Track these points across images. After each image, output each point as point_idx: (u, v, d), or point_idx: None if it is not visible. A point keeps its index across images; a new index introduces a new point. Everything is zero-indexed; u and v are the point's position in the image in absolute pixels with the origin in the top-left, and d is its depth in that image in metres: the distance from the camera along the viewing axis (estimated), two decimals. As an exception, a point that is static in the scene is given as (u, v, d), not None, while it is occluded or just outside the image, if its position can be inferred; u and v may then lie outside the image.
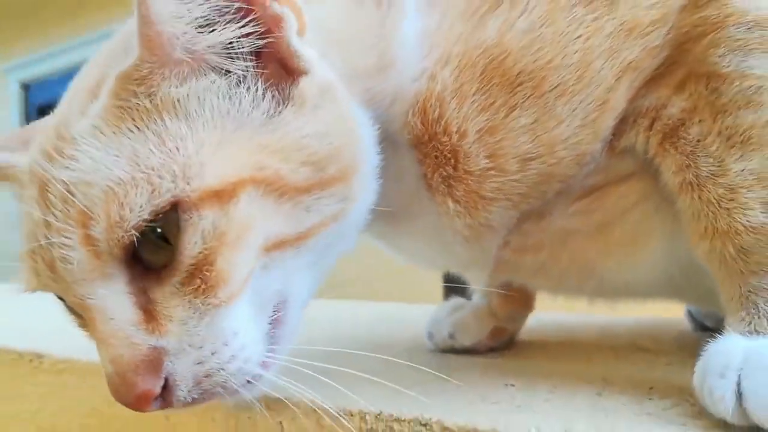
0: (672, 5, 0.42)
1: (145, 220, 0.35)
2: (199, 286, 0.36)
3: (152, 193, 0.35)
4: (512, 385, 0.46)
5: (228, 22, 0.38)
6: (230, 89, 0.39)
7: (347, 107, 0.43)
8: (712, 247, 0.42)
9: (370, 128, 0.44)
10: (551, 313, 0.76)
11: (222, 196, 0.36)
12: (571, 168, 0.45)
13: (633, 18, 0.42)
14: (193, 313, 0.37)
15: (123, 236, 0.35)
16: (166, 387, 0.37)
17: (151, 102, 0.37)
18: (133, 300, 0.37)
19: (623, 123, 0.44)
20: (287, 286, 0.41)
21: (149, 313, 0.37)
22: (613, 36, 0.42)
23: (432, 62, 0.45)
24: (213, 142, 0.37)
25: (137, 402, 0.36)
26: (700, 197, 0.41)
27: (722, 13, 0.41)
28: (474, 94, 0.43)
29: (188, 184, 0.35)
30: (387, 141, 0.46)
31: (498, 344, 0.60)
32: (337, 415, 0.41)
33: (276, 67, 0.40)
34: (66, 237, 0.36)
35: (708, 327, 0.64)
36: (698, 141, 0.41)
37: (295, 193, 0.39)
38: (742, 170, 0.40)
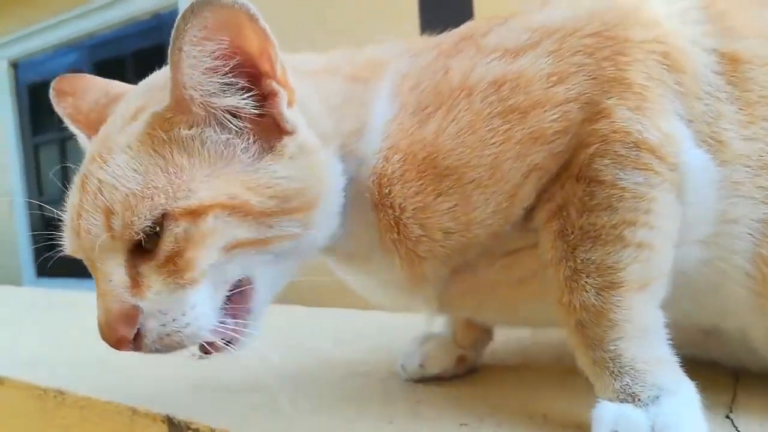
0: (573, 119, 0.50)
1: (147, 226, 0.49)
2: (172, 269, 0.49)
3: (152, 206, 0.48)
4: (465, 425, 0.56)
5: (234, 93, 0.51)
6: (228, 139, 0.51)
7: (323, 160, 0.54)
8: (562, 316, 0.52)
9: (340, 178, 0.56)
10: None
11: (195, 214, 0.49)
12: (486, 241, 0.54)
13: (539, 128, 0.51)
14: (165, 288, 0.50)
15: (132, 234, 0.49)
16: (138, 336, 0.50)
17: (167, 136, 0.50)
18: (126, 270, 0.50)
19: (532, 210, 0.54)
20: (251, 273, 0.53)
21: (136, 281, 0.50)
22: (521, 143, 0.51)
23: (387, 145, 0.55)
24: (204, 174, 0.50)
25: (117, 343, 0.50)
26: (555, 273, 0.51)
27: (610, 129, 0.49)
28: (413, 180, 0.53)
29: (176, 202, 0.49)
30: (357, 193, 0.56)
31: (462, 371, 0.70)
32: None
33: (269, 123, 0.52)
34: (94, 220, 0.50)
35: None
36: (560, 231, 0.51)
37: (260, 216, 0.51)
38: (586, 259, 0.49)
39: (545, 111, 0.50)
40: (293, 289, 0.59)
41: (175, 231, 0.49)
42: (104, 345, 0.57)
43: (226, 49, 0.49)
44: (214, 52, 0.49)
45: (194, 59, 0.48)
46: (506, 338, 0.77)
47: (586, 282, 0.49)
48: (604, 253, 0.49)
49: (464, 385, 0.67)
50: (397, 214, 0.54)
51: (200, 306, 0.50)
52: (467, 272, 0.58)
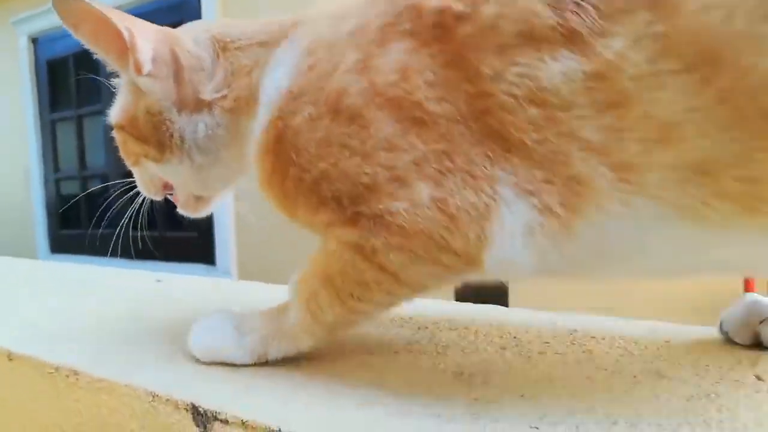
0: None
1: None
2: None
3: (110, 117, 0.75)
4: (536, 429, 0.48)
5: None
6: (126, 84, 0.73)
7: (169, 119, 0.69)
8: None
9: (216, 130, 0.69)
10: (575, 316, 0.77)
11: (116, 127, 0.73)
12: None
13: None
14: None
15: None
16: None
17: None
18: None
19: None
20: (169, 179, 0.75)
21: None
22: None
23: (268, 118, 0.61)
24: (120, 103, 0.73)
25: None
26: None
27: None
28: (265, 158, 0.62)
29: (112, 118, 0.73)
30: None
31: None
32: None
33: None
34: None
35: (736, 343, 0.67)
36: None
37: (139, 139, 0.71)
38: None
39: None
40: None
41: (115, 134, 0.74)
42: (126, 324, 0.52)
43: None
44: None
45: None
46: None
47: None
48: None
49: (529, 384, 0.60)
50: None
51: (139, 180, 0.77)
52: None
